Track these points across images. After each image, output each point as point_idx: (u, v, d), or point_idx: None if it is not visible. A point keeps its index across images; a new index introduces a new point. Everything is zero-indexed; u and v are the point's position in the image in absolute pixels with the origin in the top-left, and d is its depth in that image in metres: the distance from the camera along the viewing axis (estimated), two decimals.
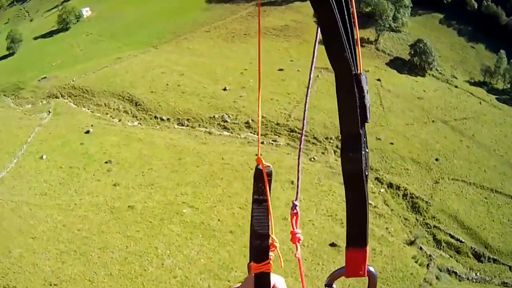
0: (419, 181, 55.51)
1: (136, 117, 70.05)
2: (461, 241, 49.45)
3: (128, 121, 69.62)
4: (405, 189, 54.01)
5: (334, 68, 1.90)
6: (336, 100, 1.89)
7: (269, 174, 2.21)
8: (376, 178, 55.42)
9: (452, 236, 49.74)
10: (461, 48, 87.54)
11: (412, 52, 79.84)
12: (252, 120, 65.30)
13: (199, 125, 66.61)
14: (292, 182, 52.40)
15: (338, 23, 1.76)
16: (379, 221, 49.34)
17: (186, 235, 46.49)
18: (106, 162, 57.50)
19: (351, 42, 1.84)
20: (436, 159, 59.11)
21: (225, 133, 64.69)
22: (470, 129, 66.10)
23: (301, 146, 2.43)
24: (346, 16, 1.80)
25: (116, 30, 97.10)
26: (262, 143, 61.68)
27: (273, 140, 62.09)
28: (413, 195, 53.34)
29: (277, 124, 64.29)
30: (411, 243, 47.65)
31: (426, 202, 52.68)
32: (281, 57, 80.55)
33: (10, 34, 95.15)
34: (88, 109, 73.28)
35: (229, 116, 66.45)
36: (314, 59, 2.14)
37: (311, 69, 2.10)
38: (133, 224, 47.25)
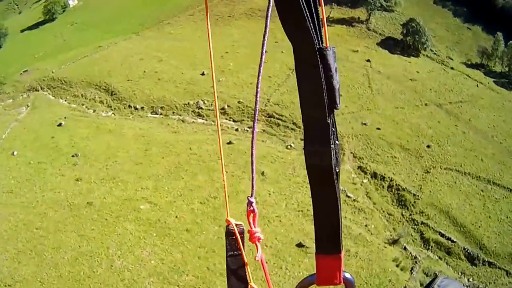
0: (408, 171, 47.72)
1: (111, 107, 63.74)
2: (452, 241, 41.61)
3: (102, 112, 63.51)
4: (391, 180, 46.26)
5: (291, 40, 1.65)
6: (296, 81, 1.64)
7: (241, 232, 1.91)
8: (359, 167, 47.81)
9: (442, 235, 41.94)
10: (456, 29, 78.79)
11: (404, 32, 71.83)
12: (228, 106, 58.22)
13: (173, 112, 59.82)
14: (263, 173, 45.39)
15: None
16: (358, 217, 41.82)
17: (140, 234, 41.55)
18: (73, 156, 52.10)
19: (313, 7, 1.56)
20: (428, 146, 51.24)
21: (199, 120, 57.77)
22: (466, 113, 57.95)
23: (254, 135, 1.88)
24: None
25: (100, 18, 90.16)
26: (237, 130, 54.68)
27: (248, 127, 54.91)
28: (400, 187, 45.58)
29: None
30: (394, 242, 40.06)
31: (414, 195, 44.88)
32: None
33: None
34: (66, 101, 67.21)
35: (204, 102, 59.51)
36: (267, 30, 1.70)
37: (263, 45, 1.68)
38: (89, 221, 42.60)
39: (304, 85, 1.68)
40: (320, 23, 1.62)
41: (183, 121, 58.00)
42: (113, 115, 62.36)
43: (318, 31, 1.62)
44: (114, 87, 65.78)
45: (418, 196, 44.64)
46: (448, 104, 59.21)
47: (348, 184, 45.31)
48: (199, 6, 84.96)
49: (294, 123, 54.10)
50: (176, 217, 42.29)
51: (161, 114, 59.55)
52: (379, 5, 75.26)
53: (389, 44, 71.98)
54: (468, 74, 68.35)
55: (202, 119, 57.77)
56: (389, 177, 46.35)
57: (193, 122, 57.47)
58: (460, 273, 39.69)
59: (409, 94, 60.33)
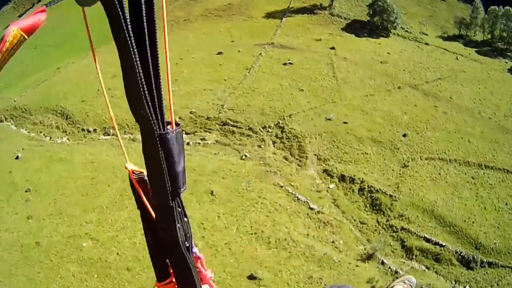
0: (382, 168, 39.32)
1: (66, 131, 55.89)
2: (441, 245, 32.94)
3: (58, 138, 55.71)
4: (362, 181, 37.75)
5: (138, 123, 1.58)
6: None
7: (142, 181, 1.83)
8: (325, 171, 39.43)
9: (428, 240, 33.28)
10: (429, 3, 70.13)
11: (371, 12, 63.56)
12: (180, 118, 49.96)
13: (125, 131, 51.84)
14: (212, 193, 37.40)
15: (136, 68, 1.47)
16: (323, 232, 33.35)
17: (82, 276, 34.47)
18: (26, 191, 44.49)
19: (156, 90, 1.57)
20: (404, 135, 42.81)
21: None
22: (447, 91, 49.35)
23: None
24: (150, 56, 1.51)
25: (61, 37, 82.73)
26: (188, 143, 46.66)
27: (201, 139, 47.00)
28: (373, 188, 37.12)
29: (207, 118, 49.01)
30: (369, 257, 31.48)
31: (391, 196, 36.33)
32: (222, 38, 64.89)
33: None
34: (26, 130, 59.67)
35: None
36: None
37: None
38: (37, 264, 35.68)
39: (150, 168, 1.65)
40: (162, 107, 1.59)
41: (133, 140, 50.03)
42: (67, 140, 54.63)
43: (159, 115, 1.59)
44: (68, 110, 57.96)
45: (395, 197, 36.17)
46: (425, 84, 50.67)
47: (311, 193, 37.01)
48: (157, 12, 77.04)
49: (250, 129, 45.98)
50: (118, 254, 34.59)
51: (112, 134, 51.89)
52: None
53: (355, 27, 63.68)
54: (446, 47, 59.78)
55: None
56: (359, 178, 37.95)
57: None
58: (454, 282, 31.30)
59: (379, 79, 51.93)
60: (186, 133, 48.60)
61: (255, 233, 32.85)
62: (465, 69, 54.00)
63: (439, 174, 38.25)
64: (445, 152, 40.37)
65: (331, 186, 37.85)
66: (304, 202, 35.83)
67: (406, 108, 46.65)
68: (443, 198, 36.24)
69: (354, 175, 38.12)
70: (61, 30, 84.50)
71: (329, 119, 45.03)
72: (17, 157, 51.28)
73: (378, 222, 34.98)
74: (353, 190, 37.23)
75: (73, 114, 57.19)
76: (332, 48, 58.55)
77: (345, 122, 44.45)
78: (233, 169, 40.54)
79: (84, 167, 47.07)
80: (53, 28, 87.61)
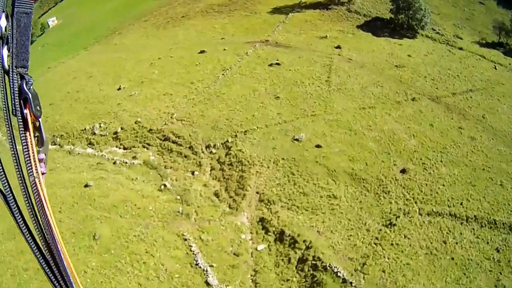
0: (351, 225, 22.24)
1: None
2: None
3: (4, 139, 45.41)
4: (309, 247, 20.87)
5: None
6: None
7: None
8: (261, 221, 23.43)
9: None
10: (466, 4, 50.86)
11: (395, 8, 46.16)
12: (122, 128, 36.81)
13: (68, 141, 39.55)
14: (95, 236, 23.74)
15: None
16: None
17: None
18: None
19: None
20: (403, 171, 25.62)
21: (88, 150, 36.91)
22: (478, 107, 31.09)
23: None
24: None
25: (68, 36, 73.37)
26: (115, 163, 33.06)
27: (132, 157, 33.12)
28: (322, 263, 20.29)
29: (150, 131, 35.02)
30: None
31: (346, 281, 19.48)
32: (213, 35, 50.48)
33: None
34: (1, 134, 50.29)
35: (100, 126, 38.67)
36: None
37: None
38: None
39: None
40: None
41: (70, 152, 37.61)
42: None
43: None
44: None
45: (353, 284, 19.58)
46: (451, 96, 32.68)
47: (223, 256, 21.35)
48: (157, 10, 65.08)
49: (191, 147, 31.05)
50: None
51: (58, 144, 39.73)
52: None
53: (375, 26, 46.31)
54: (483, 54, 41.00)
55: (92, 148, 36.90)
56: (307, 242, 21.47)
57: (78, 154, 36.82)
58: None
59: (389, 86, 34.59)
60: (125, 148, 35.23)
61: None
62: (504, 81, 35.19)
63: (444, 243, 21.00)
64: (461, 204, 22.90)
65: (260, 247, 21.94)
66: (204, 271, 20.54)
67: (416, 128, 29.32)
68: None
69: (299, 235, 21.83)
70: (68, 30, 75.33)
71: (297, 140, 28.97)
72: None
73: None
74: (289, 260, 21.01)
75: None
76: (338, 47, 42.03)
77: (318, 146, 28.16)
78: (139, 205, 26.19)
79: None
80: (62, 28, 79.16)
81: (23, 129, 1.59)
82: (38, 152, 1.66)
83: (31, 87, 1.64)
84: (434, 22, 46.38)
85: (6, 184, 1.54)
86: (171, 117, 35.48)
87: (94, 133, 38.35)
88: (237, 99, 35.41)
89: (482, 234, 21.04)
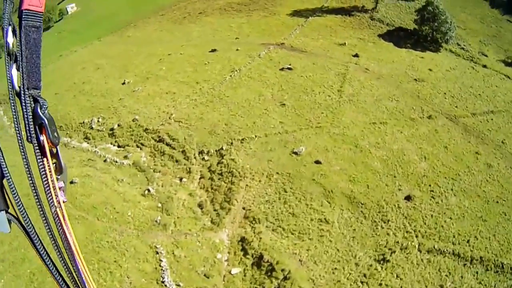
0: (339, 257, 20.28)
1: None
2: None
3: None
4: (287, 277, 18.81)
5: None
6: None
7: None
8: (242, 241, 21.69)
9: None
10: (494, 21, 48.39)
11: (419, 19, 43.77)
12: (119, 125, 35.80)
13: (66, 134, 39.04)
14: None
15: None
16: None
17: None
18: None
19: None
20: (408, 198, 23.42)
21: (83, 145, 36.17)
22: (499, 131, 28.57)
23: None
24: None
25: (86, 24, 73.13)
26: (105, 161, 32.04)
27: (124, 156, 31.96)
28: None
29: (146, 130, 33.83)
30: None
31: None
32: (228, 34, 49.07)
33: None
34: (6, 119, 50.37)
35: (98, 120, 37.90)
36: None
37: None
38: None
39: None
40: None
41: (65, 145, 36.89)
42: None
43: None
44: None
45: None
46: (470, 117, 30.31)
47: (193, 277, 19.74)
48: (176, 5, 64.14)
49: (183, 151, 29.59)
50: None
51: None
52: None
53: (397, 36, 44.07)
54: (508, 74, 38.40)
55: (87, 142, 36.07)
56: (285, 271, 19.58)
57: (73, 147, 36.08)
58: None
59: (405, 101, 32.34)
60: (119, 146, 34.14)
61: None
62: None
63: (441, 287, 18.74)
64: (468, 241, 20.58)
65: (234, 271, 20.15)
66: None
67: (429, 150, 27.03)
68: None
69: (279, 262, 19.94)
70: (85, 18, 75.30)
71: (296, 153, 27.10)
72: None
73: None
74: None
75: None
76: (356, 55, 39.93)
77: (317, 162, 26.23)
78: (119, 209, 24.93)
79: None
80: (85, 15, 79.28)
81: (40, 157, 1.47)
82: (57, 180, 1.53)
83: (46, 111, 1.49)
84: (460, 37, 44.13)
85: (26, 217, 1.43)
86: (169, 117, 34.19)
87: (92, 128, 37.61)
88: (241, 103, 33.81)
89: (486, 279, 18.69)
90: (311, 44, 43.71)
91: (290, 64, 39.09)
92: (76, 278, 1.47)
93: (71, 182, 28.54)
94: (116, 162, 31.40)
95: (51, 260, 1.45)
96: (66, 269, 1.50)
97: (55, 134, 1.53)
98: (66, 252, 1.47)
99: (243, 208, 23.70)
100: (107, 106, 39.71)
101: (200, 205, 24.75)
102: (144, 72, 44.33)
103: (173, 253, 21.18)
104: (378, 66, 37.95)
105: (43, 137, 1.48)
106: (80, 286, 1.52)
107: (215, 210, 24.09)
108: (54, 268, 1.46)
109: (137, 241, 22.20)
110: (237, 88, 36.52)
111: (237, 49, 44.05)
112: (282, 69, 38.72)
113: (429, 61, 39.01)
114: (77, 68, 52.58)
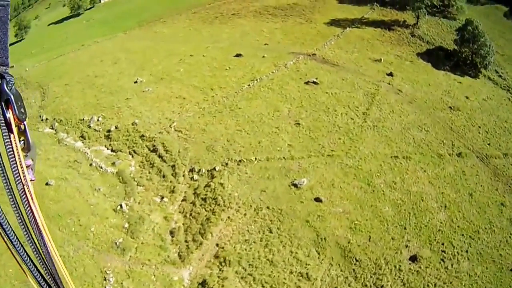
0: None
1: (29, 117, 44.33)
2: None
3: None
4: None
5: None
6: None
7: None
8: (201, 284, 19.16)
9: None
10: None
11: (459, 39, 40.15)
12: (116, 127, 34.04)
13: (65, 129, 37.83)
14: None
15: None
16: None
17: None
18: None
19: None
20: (414, 258, 19.65)
21: (78, 143, 34.71)
22: None
23: None
24: None
25: (116, 15, 72.90)
26: (91, 165, 30.16)
27: (112, 163, 29.98)
28: None
29: (142, 137, 31.73)
30: None
31: None
32: (257, 39, 46.36)
33: (17, 22, 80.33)
34: None
35: (98, 119, 36.42)
36: None
37: None
38: None
39: None
40: None
41: (59, 141, 35.65)
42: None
43: None
44: (45, 93, 46.88)
45: None
46: (501, 158, 26.45)
47: None
48: (211, 3, 62.21)
49: (173, 167, 27.21)
50: None
51: (55, 129, 38.20)
52: (429, 3, 45.84)
53: (437, 55, 40.72)
54: None
55: (82, 142, 34.51)
56: None
57: (66, 145, 34.66)
58: None
59: (435, 132, 28.54)
60: (112, 150, 32.20)
61: None
62: None
63: None
64: None
65: None
66: None
67: (452, 197, 23.22)
68: None
69: None
70: (116, 9, 75.27)
71: (296, 186, 23.87)
72: None
73: None
74: None
75: (47, 96, 45.33)
76: (390, 74, 36.23)
77: (318, 200, 22.90)
78: (83, 222, 23.44)
79: None
80: (111, 5, 79.39)
81: (7, 134, 1.48)
82: (25, 158, 1.54)
83: (13, 87, 1.51)
84: (497, 63, 40.10)
85: None
86: (170, 125, 31.94)
87: (89, 126, 36.11)
88: (251, 118, 31.05)
89: None
90: (344, 57, 40.27)
91: (316, 78, 35.93)
92: (44, 258, 1.45)
93: (46, 184, 26.93)
94: (101, 168, 29.51)
95: (17, 238, 1.40)
96: (34, 249, 1.46)
97: (22, 110, 1.52)
98: (34, 232, 1.44)
99: (217, 245, 20.83)
100: (112, 104, 38.21)
101: (171, 233, 22.12)
102: (160, 72, 42.59)
103: (121, 284, 18.63)
104: (412, 88, 34.15)
105: (9, 114, 1.47)
106: (48, 266, 1.50)
107: (186, 241, 21.38)
108: (21, 247, 1.41)
109: (90, 261, 19.95)
110: (252, 100, 33.74)
111: (263, 56, 41.39)
112: (307, 83, 35.66)
113: (467, 88, 35.46)
114: (94, 60, 51.93)
